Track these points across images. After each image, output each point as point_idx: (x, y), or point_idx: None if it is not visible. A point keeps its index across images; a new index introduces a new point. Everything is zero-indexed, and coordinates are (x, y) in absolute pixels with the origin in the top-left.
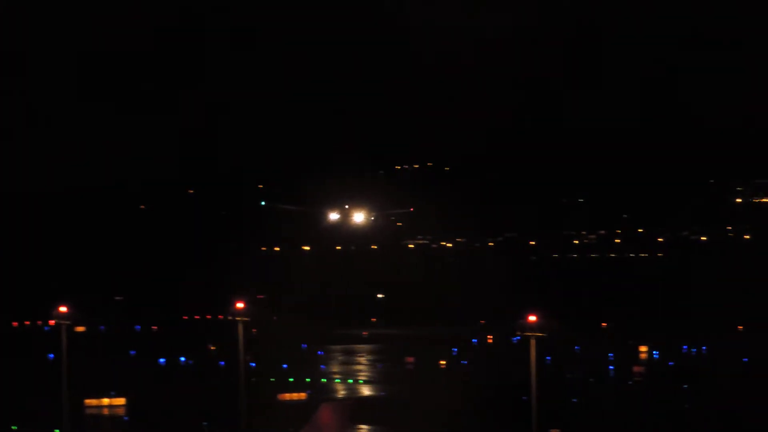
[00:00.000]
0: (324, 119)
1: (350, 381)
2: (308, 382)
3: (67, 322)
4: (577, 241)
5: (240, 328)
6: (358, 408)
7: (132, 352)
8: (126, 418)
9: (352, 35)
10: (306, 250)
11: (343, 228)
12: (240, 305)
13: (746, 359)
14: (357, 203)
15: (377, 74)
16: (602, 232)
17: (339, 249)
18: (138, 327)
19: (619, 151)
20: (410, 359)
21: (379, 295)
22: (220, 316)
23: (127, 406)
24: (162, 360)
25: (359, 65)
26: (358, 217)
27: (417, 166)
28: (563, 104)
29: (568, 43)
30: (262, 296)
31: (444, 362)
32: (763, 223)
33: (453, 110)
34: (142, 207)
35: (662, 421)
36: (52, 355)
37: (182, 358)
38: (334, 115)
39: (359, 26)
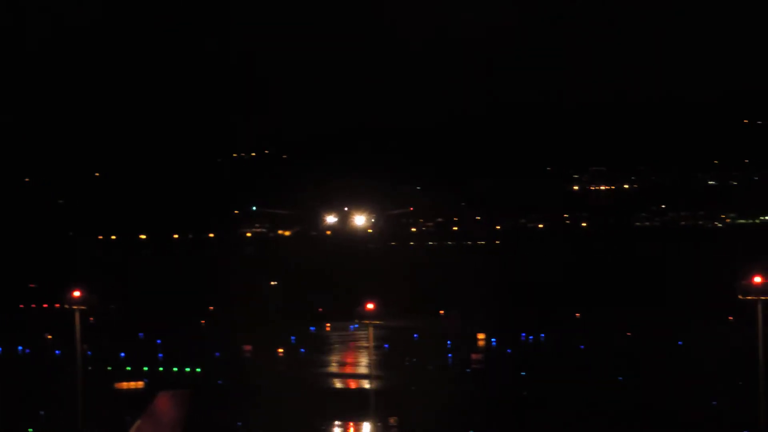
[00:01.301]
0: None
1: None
2: (145, 371)
3: None
4: (414, 229)
5: (77, 316)
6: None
7: None
8: None
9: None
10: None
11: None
12: (77, 294)
13: (582, 347)
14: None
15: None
16: (440, 219)
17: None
18: None
19: (461, 139)
20: (248, 347)
21: None
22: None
23: None
24: None
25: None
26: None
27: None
28: None
29: None
30: None
31: (282, 350)
32: (599, 211)
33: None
34: None
35: (499, 408)
36: None
37: (20, 347)
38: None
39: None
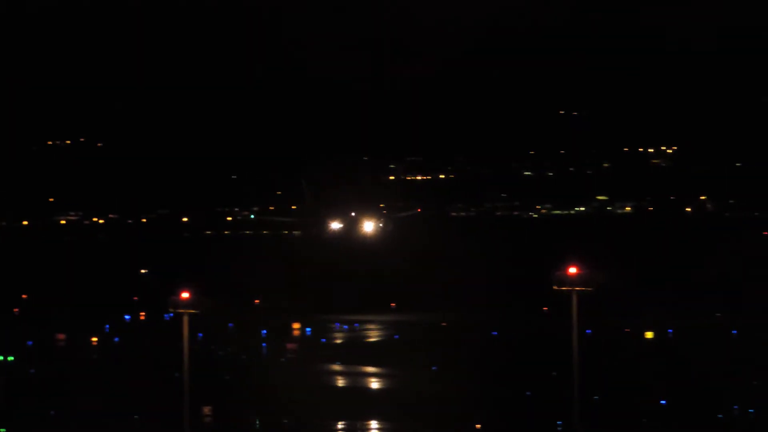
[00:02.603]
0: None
1: None
2: None
3: None
4: (230, 218)
5: None
6: None
7: None
8: None
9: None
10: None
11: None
12: None
13: (397, 336)
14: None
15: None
16: (256, 208)
17: None
18: None
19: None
20: (61, 336)
21: None
22: None
23: None
24: None
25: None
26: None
27: None
28: None
29: None
30: None
31: (96, 339)
32: (414, 201)
33: None
34: None
35: (314, 396)
36: None
37: None
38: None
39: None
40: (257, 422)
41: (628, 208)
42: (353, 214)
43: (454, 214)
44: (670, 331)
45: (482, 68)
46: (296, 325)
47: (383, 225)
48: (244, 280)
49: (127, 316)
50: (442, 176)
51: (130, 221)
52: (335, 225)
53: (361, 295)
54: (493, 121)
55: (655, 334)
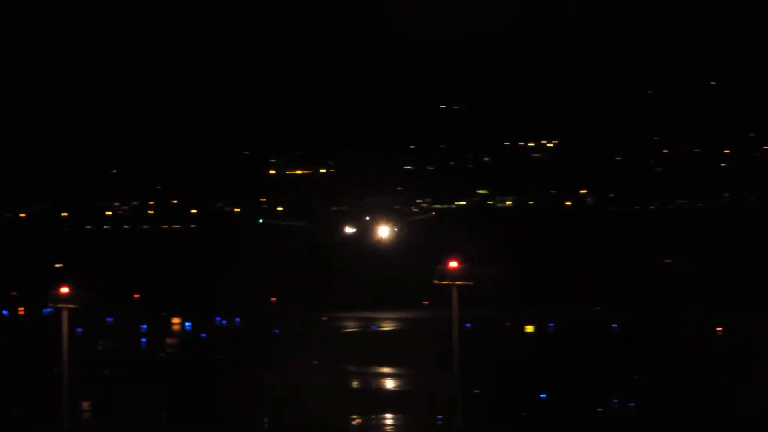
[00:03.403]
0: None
1: None
2: None
3: None
4: (110, 213)
5: None
6: None
7: None
8: None
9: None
10: None
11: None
12: None
13: (277, 330)
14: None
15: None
16: (135, 203)
17: None
18: None
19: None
20: None
21: None
22: None
23: None
24: None
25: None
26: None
27: None
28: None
29: None
30: None
31: None
32: (297, 195)
33: None
34: None
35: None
36: None
37: None
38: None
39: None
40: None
41: (508, 202)
42: (367, 218)
43: (335, 208)
44: (551, 325)
45: (365, 63)
46: (176, 320)
47: (398, 229)
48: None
49: (5, 312)
50: (323, 170)
51: (8, 215)
52: (348, 230)
53: None
54: (374, 115)
55: (536, 328)
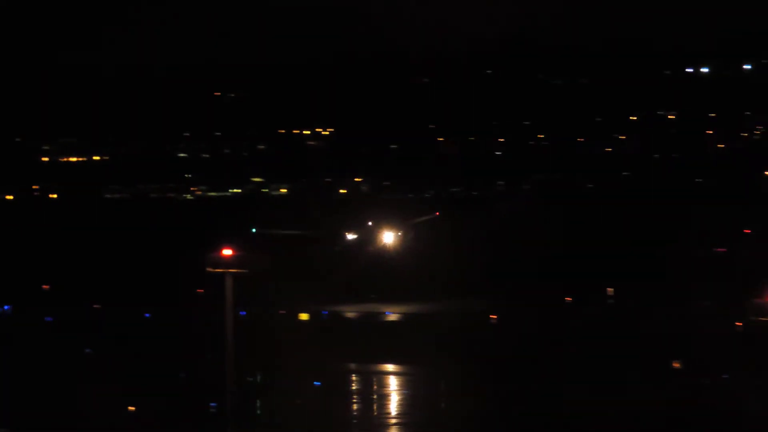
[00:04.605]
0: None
1: None
2: None
3: None
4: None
5: None
6: None
7: None
8: None
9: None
10: None
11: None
12: None
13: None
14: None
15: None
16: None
17: None
18: None
19: None
20: None
21: None
22: None
23: None
24: None
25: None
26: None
27: None
28: None
29: None
30: None
31: None
32: (69, 183)
33: None
34: None
35: None
36: None
37: None
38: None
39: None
40: None
41: (283, 190)
42: (370, 223)
43: (108, 196)
44: (324, 312)
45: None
46: None
47: (402, 234)
48: None
49: None
50: (96, 158)
51: None
52: (351, 236)
53: None
54: (147, 101)
55: (310, 316)
